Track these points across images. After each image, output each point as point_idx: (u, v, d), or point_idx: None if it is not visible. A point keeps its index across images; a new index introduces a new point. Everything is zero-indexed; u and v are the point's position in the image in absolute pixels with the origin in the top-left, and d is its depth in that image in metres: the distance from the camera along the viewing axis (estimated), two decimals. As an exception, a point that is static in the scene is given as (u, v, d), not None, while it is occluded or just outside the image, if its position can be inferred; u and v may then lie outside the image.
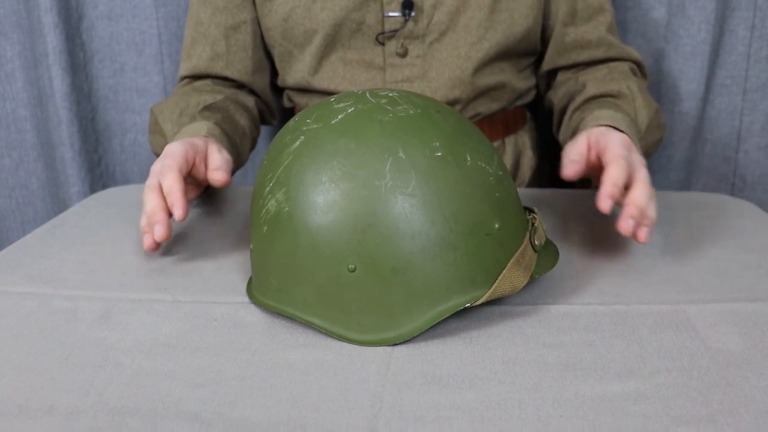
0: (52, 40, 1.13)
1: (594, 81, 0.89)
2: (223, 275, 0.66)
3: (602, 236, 0.74)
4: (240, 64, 0.95)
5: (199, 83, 0.94)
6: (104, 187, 1.25)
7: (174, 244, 0.73)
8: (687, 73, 1.05)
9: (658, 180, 1.12)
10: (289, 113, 1.06)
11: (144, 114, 1.22)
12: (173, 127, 0.84)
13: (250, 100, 0.94)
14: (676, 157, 1.10)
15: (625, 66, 0.91)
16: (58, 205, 1.26)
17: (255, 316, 0.58)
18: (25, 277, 0.66)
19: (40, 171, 1.26)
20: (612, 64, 0.92)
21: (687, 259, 0.68)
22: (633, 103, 0.83)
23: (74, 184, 1.20)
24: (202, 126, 0.80)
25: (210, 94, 0.90)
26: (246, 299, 0.61)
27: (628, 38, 1.08)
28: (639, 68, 0.94)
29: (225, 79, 0.96)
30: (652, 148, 0.89)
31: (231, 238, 0.75)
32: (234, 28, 0.94)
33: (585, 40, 0.92)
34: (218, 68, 0.94)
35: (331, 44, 0.90)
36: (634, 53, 0.93)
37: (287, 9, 0.90)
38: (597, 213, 0.80)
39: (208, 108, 0.85)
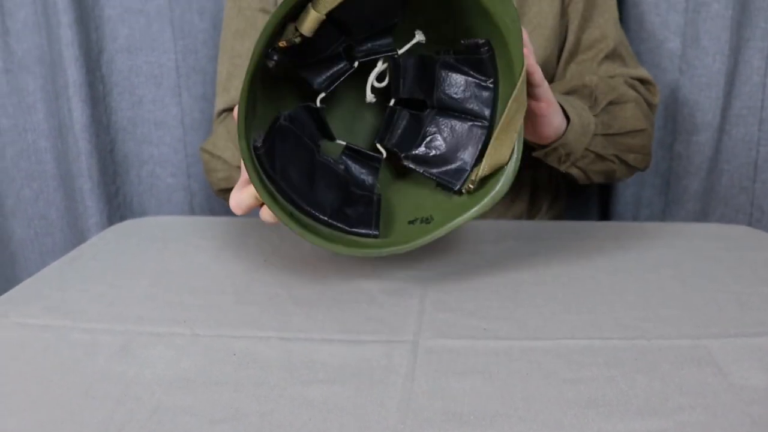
0: (72, 73, 1.15)
1: (563, 81, 0.91)
2: (242, 308, 0.66)
3: (619, 268, 0.73)
4: None
5: None
6: (122, 218, 1.26)
7: (192, 276, 0.74)
8: (702, 104, 1.05)
9: (675, 211, 1.11)
10: None
11: (162, 147, 1.23)
12: (235, 153, 0.86)
13: None
14: (692, 187, 1.09)
15: (620, 79, 0.91)
16: (76, 235, 1.28)
17: (274, 350, 0.58)
18: (43, 310, 0.67)
19: (59, 202, 1.27)
20: (615, 80, 0.92)
21: (706, 292, 0.67)
22: (592, 92, 0.86)
23: (92, 215, 1.21)
24: None
25: None
26: (265, 333, 0.61)
27: (643, 69, 1.08)
28: (643, 84, 0.93)
29: None
30: (627, 145, 0.88)
31: (249, 270, 0.75)
32: None
33: (582, 68, 0.92)
34: None
35: None
36: (638, 72, 0.93)
37: None
38: (614, 245, 0.80)
39: None
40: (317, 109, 0.70)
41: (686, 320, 0.62)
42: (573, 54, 0.93)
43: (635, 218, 1.15)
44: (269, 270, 0.75)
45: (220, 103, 0.97)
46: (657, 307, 0.65)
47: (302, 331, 0.61)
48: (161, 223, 0.92)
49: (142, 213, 1.28)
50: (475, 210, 0.66)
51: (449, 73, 0.69)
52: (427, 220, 0.67)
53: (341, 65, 0.70)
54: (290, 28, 0.63)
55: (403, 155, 0.72)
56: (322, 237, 0.66)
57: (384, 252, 0.66)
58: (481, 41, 0.66)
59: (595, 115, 0.82)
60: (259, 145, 0.63)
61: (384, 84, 0.71)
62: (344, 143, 0.73)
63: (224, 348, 0.59)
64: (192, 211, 1.27)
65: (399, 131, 0.71)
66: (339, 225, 0.68)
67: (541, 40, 0.90)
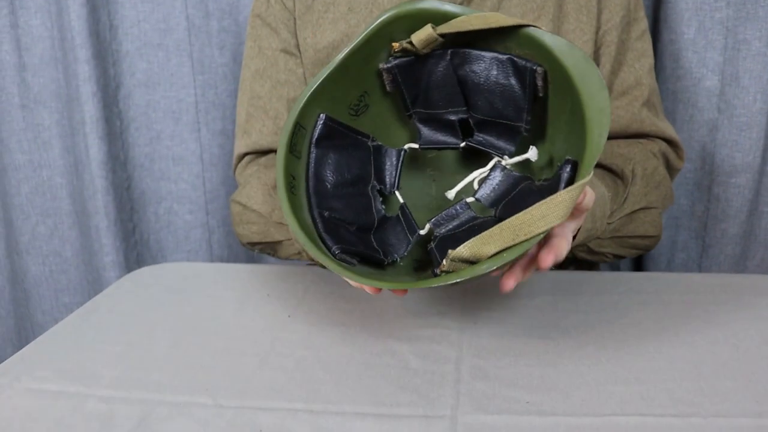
0: (89, 108, 1.12)
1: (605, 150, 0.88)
2: (267, 373, 0.62)
3: (665, 327, 0.69)
4: None
5: (263, 159, 0.92)
6: (138, 255, 1.23)
7: (213, 334, 0.70)
8: (742, 144, 1.01)
9: (713, 254, 1.07)
10: None
11: (180, 183, 1.20)
12: (269, 206, 0.84)
13: None
14: (731, 231, 1.05)
15: (655, 147, 0.87)
16: (91, 273, 1.25)
17: (303, 425, 0.54)
18: (57, 373, 0.63)
19: (74, 239, 1.25)
20: (644, 141, 0.88)
21: (762, 359, 0.63)
22: (626, 188, 0.81)
23: (108, 253, 1.19)
24: None
25: None
26: (292, 405, 0.57)
27: (679, 108, 1.04)
28: (672, 147, 0.90)
29: None
30: (632, 244, 0.86)
31: (274, 327, 0.71)
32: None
33: (616, 116, 0.88)
34: None
35: None
36: (669, 131, 0.89)
37: None
38: (655, 299, 0.75)
39: None
40: (404, 151, 0.73)
41: (744, 393, 0.57)
42: None
43: (670, 262, 1.10)
44: (294, 327, 0.71)
45: (240, 146, 0.94)
46: (710, 376, 0.60)
47: (332, 403, 0.57)
48: (180, 271, 0.88)
49: (159, 251, 1.25)
50: (411, 281, 0.60)
51: (524, 197, 0.65)
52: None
53: (453, 140, 0.72)
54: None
55: (433, 238, 0.69)
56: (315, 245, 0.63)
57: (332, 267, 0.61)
58: (569, 158, 0.60)
59: (609, 222, 0.80)
60: (323, 118, 0.68)
61: (480, 191, 0.68)
62: (401, 201, 0.72)
63: (250, 422, 0.55)
64: (210, 249, 1.24)
65: (453, 224, 0.67)
66: (318, 223, 0.65)
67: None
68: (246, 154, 0.93)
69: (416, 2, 0.67)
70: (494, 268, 0.54)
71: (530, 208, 0.54)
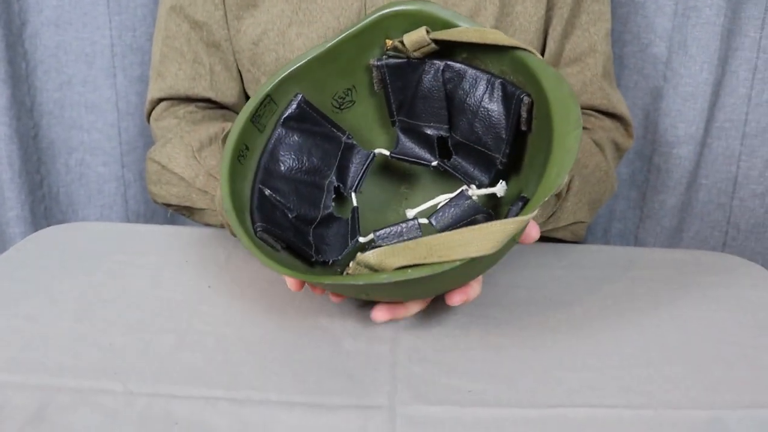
0: (-10, 47, 1.01)
1: None
2: (184, 354, 0.56)
3: (610, 306, 0.66)
4: (224, 86, 0.84)
5: (182, 111, 0.83)
6: (46, 209, 1.14)
7: (125, 307, 0.63)
8: (686, 114, 0.98)
9: (650, 226, 1.05)
10: None
11: (93, 132, 1.11)
12: (194, 171, 0.75)
13: None
14: (669, 202, 1.03)
15: (603, 135, 0.83)
16: (-7, 228, 1.15)
17: (224, 418, 0.49)
18: (-56, 350, 0.56)
19: (-27, 190, 1.14)
20: (591, 124, 0.84)
21: (709, 342, 0.61)
22: (558, 202, 0.77)
23: (12, 207, 1.09)
24: None
25: (211, 122, 0.80)
26: (212, 393, 0.52)
27: (625, 74, 1.01)
28: (622, 125, 0.87)
29: (208, 101, 0.85)
30: (545, 239, 0.83)
31: (192, 300, 0.65)
32: (216, 46, 0.83)
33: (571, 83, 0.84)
34: (200, 89, 0.83)
35: None
36: (620, 107, 0.85)
37: (258, 32, 0.80)
38: (600, 275, 0.72)
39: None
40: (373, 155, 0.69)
41: (694, 382, 0.55)
42: (554, 66, 0.84)
43: (606, 232, 1.08)
44: (215, 300, 0.65)
45: (154, 90, 0.85)
46: (659, 362, 0.57)
47: (256, 390, 0.52)
48: (90, 231, 0.80)
49: (70, 205, 1.15)
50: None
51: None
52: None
53: (427, 156, 0.68)
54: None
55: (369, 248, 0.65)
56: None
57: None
58: (523, 195, 0.57)
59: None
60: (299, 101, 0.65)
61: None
62: (354, 203, 0.68)
63: (163, 414, 0.49)
64: (126, 204, 1.15)
65: (396, 241, 0.62)
66: (255, 197, 0.61)
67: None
68: (161, 99, 0.85)
69: (420, 3, 0.64)
70: (393, 280, 0.49)
71: (453, 231, 0.49)
